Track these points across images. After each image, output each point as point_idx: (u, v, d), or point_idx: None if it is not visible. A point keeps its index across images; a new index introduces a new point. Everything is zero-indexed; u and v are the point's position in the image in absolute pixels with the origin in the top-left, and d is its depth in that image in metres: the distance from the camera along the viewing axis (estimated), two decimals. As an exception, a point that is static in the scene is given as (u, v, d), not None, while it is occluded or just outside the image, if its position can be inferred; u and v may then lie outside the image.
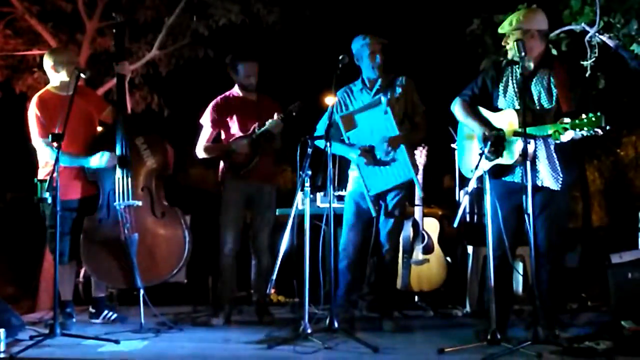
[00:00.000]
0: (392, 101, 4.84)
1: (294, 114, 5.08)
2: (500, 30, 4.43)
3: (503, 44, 4.40)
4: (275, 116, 5.06)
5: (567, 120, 3.96)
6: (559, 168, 4.23)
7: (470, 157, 4.46)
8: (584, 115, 3.89)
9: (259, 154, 5.14)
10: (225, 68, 5.31)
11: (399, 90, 4.91)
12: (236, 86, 5.33)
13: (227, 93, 5.35)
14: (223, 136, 5.31)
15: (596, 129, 3.87)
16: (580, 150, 4.17)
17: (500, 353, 3.79)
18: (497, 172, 4.29)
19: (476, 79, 4.57)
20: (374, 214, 4.84)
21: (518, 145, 4.13)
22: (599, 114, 3.87)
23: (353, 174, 5.02)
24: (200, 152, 5.34)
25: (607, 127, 3.87)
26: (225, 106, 5.30)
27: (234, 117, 5.24)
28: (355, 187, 4.99)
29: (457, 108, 4.53)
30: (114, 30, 5.22)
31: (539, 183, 4.19)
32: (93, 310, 5.20)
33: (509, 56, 4.40)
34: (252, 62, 5.25)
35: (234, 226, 5.19)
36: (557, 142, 4.06)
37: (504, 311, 4.32)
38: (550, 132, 4.02)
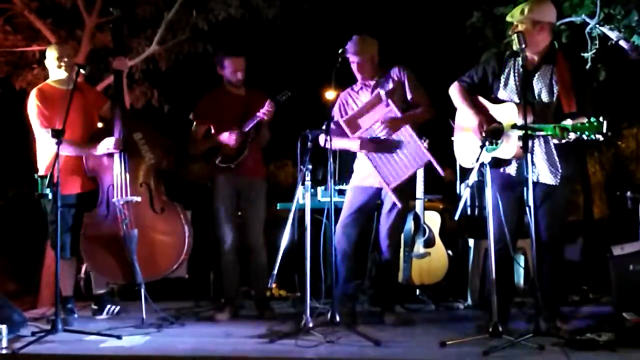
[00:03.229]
0: (389, 93, 4.82)
1: (280, 101, 5.07)
2: (508, 19, 4.37)
3: (510, 33, 4.32)
4: (267, 104, 5.04)
5: (568, 122, 3.95)
6: (557, 163, 4.23)
7: (467, 148, 4.46)
8: (585, 120, 3.88)
9: (248, 148, 5.14)
10: (213, 65, 5.30)
11: (393, 80, 4.89)
12: (224, 82, 5.30)
13: (215, 89, 5.34)
14: (213, 132, 5.29)
15: (597, 135, 3.87)
16: (581, 144, 4.16)
17: (501, 345, 3.79)
18: (495, 163, 4.28)
19: (477, 67, 4.56)
20: (399, 205, 4.77)
21: (516, 139, 4.13)
22: (601, 119, 3.86)
23: (357, 165, 4.98)
24: (191, 148, 5.34)
25: (609, 134, 3.87)
26: (212, 102, 5.29)
27: (222, 113, 5.22)
28: (356, 180, 4.97)
29: (454, 92, 4.53)
30: (112, 26, 5.23)
31: (534, 178, 4.17)
32: (95, 307, 5.21)
33: (514, 47, 4.31)
34: (238, 57, 5.22)
35: (229, 221, 5.18)
36: (563, 141, 4.06)
37: (505, 303, 4.32)
38: (550, 132, 4.02)
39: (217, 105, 5.25)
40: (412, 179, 5.20)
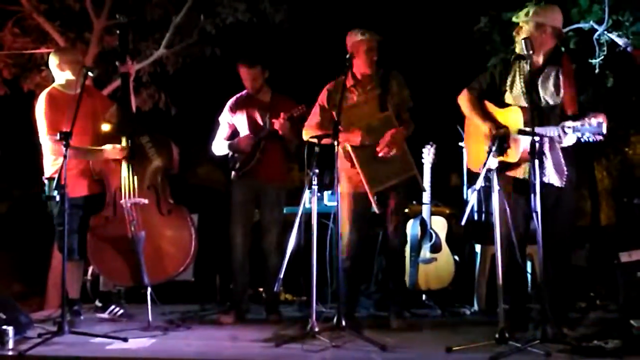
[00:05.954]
0: (387, 97, 4.81)
1: (294, 116, 5.07)
2: (514, 19, 4.42)
3: (514, 34, 4.36)
4: (281, 117, 5.06)
5: (569, 123, 3.94)
6: (563, 166, 4.22)
7: (477, 153, 4.45)
8: (585, 122, 3.88)
9: (260, 154, 5.15)
10: (233, 67, 5.35)
11: (392, 85, 4.85)
12: None
13: (242, 92, 5.39)
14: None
15: (596, 135, 3.87)
16: (587, 149, 4.16)
17: (508, 352, 3.77)
18: (503, 167, 4.27)
19: (484, 73, 4.58)
20: (378, 212, 4.79)
21: (522, 143, 4.13)
22: (600, 120, 3.86)
23: (346, 172, 4.83)
24: (213, 148, 5.44)
25: (604, 134, 3.87)
26: (236, 105, 5.37)
27: (244, 117, 5.29)
28: (350, 186, 4.86)
29: (463, 101, 4.54)
30: (118, 31, 5.28)
31: (545, 180, 4.17)
32: (100, 304, 5.21)
33: (517, 49, 4.38)
34: (244, 67, 5.25)
35: (242, 225, 5.20)
36: (564, 144, 4.07)
37: (519, 309, 4.30)
38: (553, 134, 4.03)
39: (240, 109, 5.33)
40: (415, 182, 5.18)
